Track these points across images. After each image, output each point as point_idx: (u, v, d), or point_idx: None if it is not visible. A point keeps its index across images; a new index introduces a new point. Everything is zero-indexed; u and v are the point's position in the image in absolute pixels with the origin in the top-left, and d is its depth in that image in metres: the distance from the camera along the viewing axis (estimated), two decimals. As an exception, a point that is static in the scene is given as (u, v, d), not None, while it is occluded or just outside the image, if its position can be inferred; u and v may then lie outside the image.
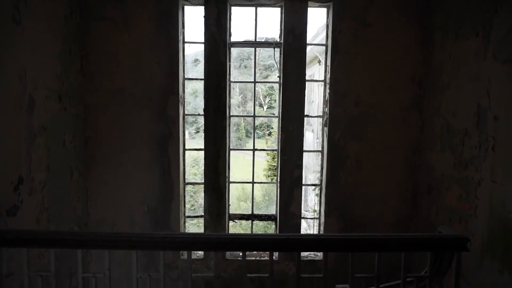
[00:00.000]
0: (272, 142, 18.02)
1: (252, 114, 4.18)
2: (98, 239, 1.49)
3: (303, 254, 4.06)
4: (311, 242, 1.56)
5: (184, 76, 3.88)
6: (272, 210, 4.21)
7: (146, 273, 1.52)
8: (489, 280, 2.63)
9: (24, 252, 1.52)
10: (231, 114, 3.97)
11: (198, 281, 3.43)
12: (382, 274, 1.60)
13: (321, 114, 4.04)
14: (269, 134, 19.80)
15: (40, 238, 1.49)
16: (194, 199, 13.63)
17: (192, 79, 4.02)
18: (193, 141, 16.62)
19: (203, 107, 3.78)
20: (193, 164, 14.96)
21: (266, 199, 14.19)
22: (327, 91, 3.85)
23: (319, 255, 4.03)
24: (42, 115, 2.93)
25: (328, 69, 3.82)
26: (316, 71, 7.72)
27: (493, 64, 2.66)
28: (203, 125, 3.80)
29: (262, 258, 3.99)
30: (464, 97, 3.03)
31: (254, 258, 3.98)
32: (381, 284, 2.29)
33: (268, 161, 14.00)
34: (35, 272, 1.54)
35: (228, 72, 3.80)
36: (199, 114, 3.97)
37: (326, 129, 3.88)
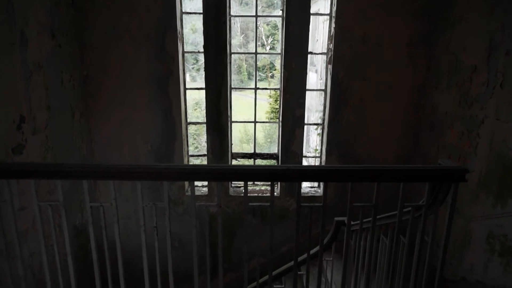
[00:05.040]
0: (275, 84, 17.72)
1: (254, 51, 4.02)
2: (102, 170, 1.52)
3: (304, 190, 4.20)
4: (311, 172, 1.59)
5: (181, 9, 3.67)
6: (274, 151, 4.27)
7: (151, 202, 1.58)
8: (482, 213, 2.74)
9: (31, 184, 1.57)
10: (231, 51, 3.83)
11: (202, 214, 3.60)
12: (380, 205, 1.65)
13: (325, 51, 3.89)
14: (272, 77, 19.34)
15: (46, 170, 1.53)
16: (198, 142, 13.83)
17: (190, 13, 3.80)
18: (195, 84, 16.38)
19: (202, 44, 3.64)
20: (195, 107, 14.89)
21: (268, 141, 14.37)
22: (332, 25, 3.66)
23: (319, 191, 4.17)
24: (36, 52, 2.84)
25: (334, 1, 3.59)
26: (322, 6, 7.27)
27: (512, -8, 2.48)
28: (203, 63, 3.68)
29: (263, 195, 4.14)
30: (477, 31, 2.88)
31: (256, 195, 4.14)
32: (379, 215, 2.38)
33: (270, 104, 13.90)
34: (44, 202, 1.60)
35: (228, 5, 3.58)
36: (198, 52, 3.83)
37: (330, 66, 3.77)
